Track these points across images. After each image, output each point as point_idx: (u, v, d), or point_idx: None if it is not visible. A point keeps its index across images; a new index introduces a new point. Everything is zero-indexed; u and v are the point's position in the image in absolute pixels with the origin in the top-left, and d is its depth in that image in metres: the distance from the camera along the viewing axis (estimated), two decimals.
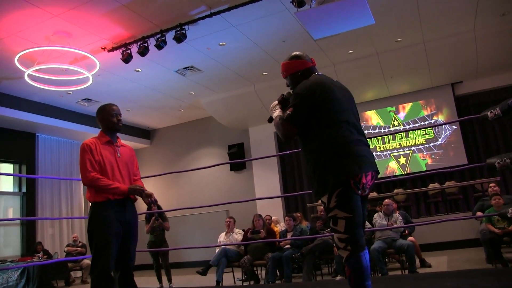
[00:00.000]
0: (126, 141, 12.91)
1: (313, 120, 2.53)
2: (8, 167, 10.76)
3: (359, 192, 2.47)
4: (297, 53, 2.84)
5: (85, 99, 10.20)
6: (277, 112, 2.74)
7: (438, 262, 7.02)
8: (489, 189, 6.97)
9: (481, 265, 6.15)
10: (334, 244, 6.43)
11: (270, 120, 2.84)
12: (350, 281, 2.39)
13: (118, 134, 3.48)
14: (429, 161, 10.58)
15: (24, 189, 10.71)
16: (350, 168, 2.42)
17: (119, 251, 3.20)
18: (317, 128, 2.53)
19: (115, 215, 3.15)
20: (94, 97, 10.10)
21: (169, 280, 7.32)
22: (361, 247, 2.41)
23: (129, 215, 3.27)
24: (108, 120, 3.36)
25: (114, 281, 3.09)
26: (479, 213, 6.73)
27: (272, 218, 8.86)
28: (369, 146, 2.62)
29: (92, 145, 3.25)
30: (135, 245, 3.33)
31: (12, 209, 10.66)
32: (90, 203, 3.26)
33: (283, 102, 2.80)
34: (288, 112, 2.56)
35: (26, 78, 7.69)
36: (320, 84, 2.57)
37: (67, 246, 10.11)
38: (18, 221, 10.61)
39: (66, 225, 11.27)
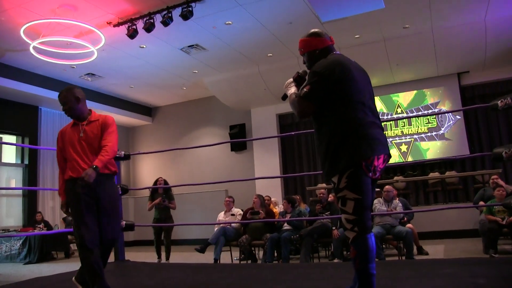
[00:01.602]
0: (127, 117, 12.96)
1: (329, 100, 2.51)
2: (11, 139, 10.82)
3: (370, 174, 2.47)
4: (317, 30, 2.77)
5: (88, 74, 10.17)
6: (292, 90, 2.72)
7: (435, 251, 7.06)
8: (491, 181, 6.97)
9: (478, 255, 6.19)
10: (333, 228, 6.53)
11: (284, 97, 2.81)
12: (355, 262, 2.41)
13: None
14: (430, 150, 10.57)
15: (26, 161, 10.79)
16: (363, 150, 2.41)
17: (98, 225, 3.30)
18: (333, 108, 2.51)
19: (84, 190, 3.20)
20: (97, 72, 10.07)
21: (167, 258, 7.38)
22: (368, 229, 2.42)
23: (100, 190, 3.31)
24: None
25: (93, 252, 3.14)
26: (482, 203, 6.75)
27: (272, 199, 8.90)
28: (383, 129, 2.60)
29: (59, 134, 3.52)
30: (110, 219, 3.35)
31: (15, 181, 10.80)
32: None
33: (299, 80, 2.77)
34: (305, 90, 2.52)
35: (31, 50, 7.66)
36: (339, 63, 2.53)
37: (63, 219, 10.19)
38: (20, 192, 10.72)
39: None
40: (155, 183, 7.74)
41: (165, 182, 7.73)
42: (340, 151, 2.45)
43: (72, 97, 3.40)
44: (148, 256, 7.79)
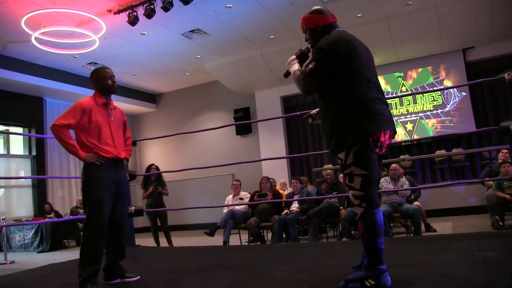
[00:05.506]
0: (132, 105, 12.94)
1: (334, 76, 2.49)
2: (18, 130, 10.93)
3: (377, 150, 2.47)
4: (319, 7, 2.73)
5: (91, 63, 10.16)
6: (295, 67, 2.70)
7: (443, 227, 7.08)
8: (500, 154, 6.93)
9: (485, 230, 6.20)
10: (341, 207, 6.55)
11: (287, 74, 2.79)
12: (364, 237, 2.42)
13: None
14: (436, 127, 10.52)
15: (34, 152, 10.90)
16: (369, 126, 2.41)
17: (112, 210, 3.21)
18: (338, 84, 2.50)
19: (108, 175, 3.16)
20: (100, 61, 10.05)
21: (169, 242, 7.42)
22: (375, 205, 2.43)
23: (120, 174, 3.30)
24: (103, 83, 3.31)
25: (105, 237, 3.17)
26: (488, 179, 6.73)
27: (280, 181, 8.94)
28: (388, 105, 2.60)
29: (84, 106, 3.20)
30: (127, 203, 3.40)
31: (24, 172, 10.98)
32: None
33: (301, 57, 2.75)
34: (310, 66, 2.50)
35: (33, 41, 7.66)
36: (343, 39, 2.52)
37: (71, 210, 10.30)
38: (30, 183, 10.87)
39: (75, 187, 11.43)
40: (148, 169, 7.77)
41: (157, 168, 7.79)
42: (346, 128, 2.45)
43: None
44: (147, 242, 7.86)
